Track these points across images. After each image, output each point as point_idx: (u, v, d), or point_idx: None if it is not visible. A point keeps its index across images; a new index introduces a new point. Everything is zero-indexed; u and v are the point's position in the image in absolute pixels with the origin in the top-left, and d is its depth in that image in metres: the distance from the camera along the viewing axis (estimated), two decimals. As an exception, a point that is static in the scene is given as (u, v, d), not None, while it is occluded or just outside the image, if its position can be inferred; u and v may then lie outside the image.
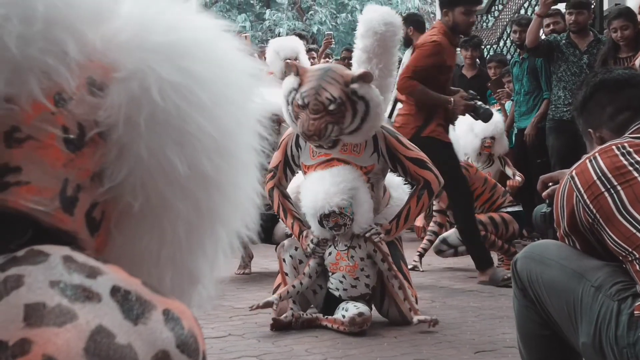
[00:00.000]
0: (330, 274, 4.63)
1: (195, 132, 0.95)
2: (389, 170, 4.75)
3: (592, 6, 7.92)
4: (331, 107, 4.41)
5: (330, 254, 4.59)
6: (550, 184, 2.84)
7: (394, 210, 4.70)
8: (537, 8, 9.67)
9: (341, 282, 4.57)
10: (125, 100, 0.94)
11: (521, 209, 6.64)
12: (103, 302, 0.83)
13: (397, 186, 4.91)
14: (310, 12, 26.18)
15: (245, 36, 9.34)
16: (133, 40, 0.96)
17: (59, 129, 0.91)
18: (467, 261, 6.65)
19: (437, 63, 5.80)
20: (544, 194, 2.83)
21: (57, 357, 0.78)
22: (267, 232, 6.00)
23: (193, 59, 0.97)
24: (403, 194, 4.82)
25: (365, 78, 4.48)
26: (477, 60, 9.04)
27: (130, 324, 0.83)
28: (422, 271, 6.53)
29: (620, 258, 2.44)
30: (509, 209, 6.50)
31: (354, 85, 4.46)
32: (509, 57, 9.56)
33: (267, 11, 26.41)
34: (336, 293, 4.60)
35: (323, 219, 4.42)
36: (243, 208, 1.04)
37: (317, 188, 4.42)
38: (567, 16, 7.40)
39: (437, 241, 6.58)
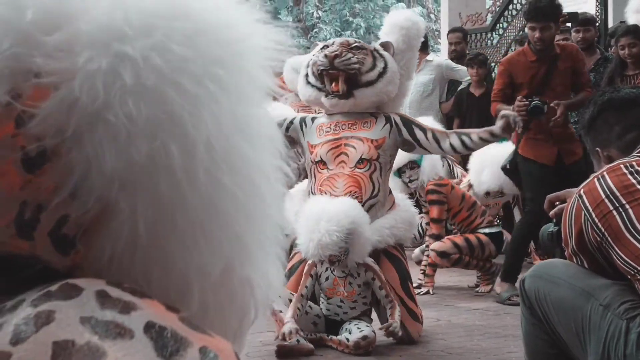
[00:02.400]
0: (325, 298, 4.57)
1: (123, 120, 0.84)
2: (394, 155, 4.88)
3: (597, 24, 7.95)
4: (355, 44, 4.79)
5: (327, 279, 4.53)
6: (557, 202, 2.83)
7: (403, 215, 4.73)
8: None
9: (340, 306, 4.53)
10: (56, 107, 0.85)
11: (499, 230, 6.53)
12: (135, 339, 0.79)
13: (402, 199, 5.00)
14: (314, 30, 26.28)
15: None
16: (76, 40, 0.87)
17: (17, 151, 0.85)
18: (473, 279, 6.63)
19: (507, 81, 6.05)
20: (551, 212, 2.83)
21: None
22: None
23: (128, 40, 0.87)
24: (409, 205, 4.92)
25: (386, 46, 4.86)
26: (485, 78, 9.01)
27: None
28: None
29: (629, 277, 2.43)
30: (487, 230, 6.34)
31: (377, 45, 4.89)
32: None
33: (272, 29, 26.48)
34: (337, 318, 4.55)
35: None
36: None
37: (311, 233, 4.32)
38: (573, 34, 7.40)
39: (416, 251, 6.65)
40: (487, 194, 6.93)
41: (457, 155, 6.62)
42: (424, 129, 4.83)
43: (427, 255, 6.60)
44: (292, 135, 4.88)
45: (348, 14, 27.35)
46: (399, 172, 6.37)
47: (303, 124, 4.88)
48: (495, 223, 6.61)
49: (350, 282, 4.50)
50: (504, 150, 6.84)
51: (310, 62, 4.84)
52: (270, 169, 0.95)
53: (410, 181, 6.40)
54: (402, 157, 6.41)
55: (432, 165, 6.40)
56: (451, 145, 4.83)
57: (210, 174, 0.88)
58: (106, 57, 0.85)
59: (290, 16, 26.91)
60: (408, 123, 4.84)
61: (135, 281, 0.88)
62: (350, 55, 4.68)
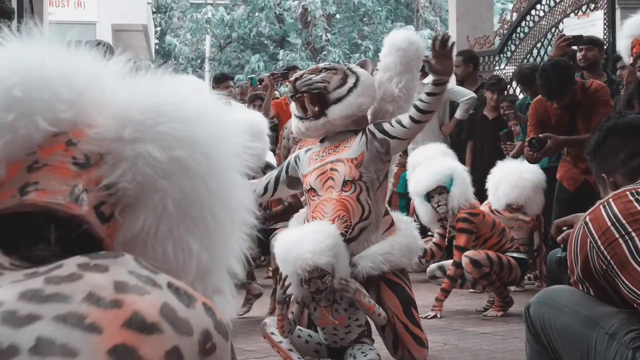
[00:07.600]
0: (320, 329, 4.49)
1: (170, 132, 1.32)
2: (385, 169, 4.64)
3: (605, 47, 7.91)
4: (323, 67, 4.77)
5: (315, 309, 4.42)
6: (565, 228, 2.81)
7: (401, 240, 4.53)
8: (550, 49, 9.69)
9: (335, 334, 4.43)
10: (113, 125, 1.32)
11: (526, 257, 6.57)
12: (164, 290, 1.15)
13: (405, 221, 4.77)
14: (323, 53, 26.35)
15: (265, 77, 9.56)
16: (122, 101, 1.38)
17: (69, 158, 1.27)
18: (480, 303, 6.60)
19: (538, 122, 6.36)
20: (559, 238, 2.80)
21: (143, 312, 1.09)
22: (264, 246, 5.89)
23: (158, 125, 1.35)
24: (412, 229, 4.69)
25: (363, 64, 4.88)
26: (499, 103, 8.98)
27: (184, 307, 1.15)
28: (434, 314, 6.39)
29: (635, 305, 2.40)
30: (515, 255, 6.36)
31: (351, 65, 4.90)
32: (522, 96, 9.53)
33: (281, 51, 26.60)
34: (337, 345, 4.47)
35: (304, 282, 4.25)
36: (232, 193, 1.39)
37: (293, 262, 4.23)
38: (577, 54, 7.31)
39: (433, 266, 6.62)
40: (509, 207, 7.07)
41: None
42: (389, 121, 4.62)
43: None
44: (293, 176, 4.82)
45: (357, 37, 27.44)
46: (428, 197, 6.37)
47: (297, 160, 4.82)
48: (523, 250, 6.62)
49: (337, 308, 4.37)
50: (517, 165, 6.91)
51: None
52: (243, 211, 1.44)
53: (439, 206, 6.35)
54: (430, 181, 6.40)
55: (462, 191, 6.32)
56: (410, 118, 4.56)
57: (216, 202, 1.36)
58: (147, 131, 1.32)
59: (300, 39, 27.02)
60: (378, 123, 4.65)
61: (155, 248, 1.29)
62: (311, 76, 4.63)
